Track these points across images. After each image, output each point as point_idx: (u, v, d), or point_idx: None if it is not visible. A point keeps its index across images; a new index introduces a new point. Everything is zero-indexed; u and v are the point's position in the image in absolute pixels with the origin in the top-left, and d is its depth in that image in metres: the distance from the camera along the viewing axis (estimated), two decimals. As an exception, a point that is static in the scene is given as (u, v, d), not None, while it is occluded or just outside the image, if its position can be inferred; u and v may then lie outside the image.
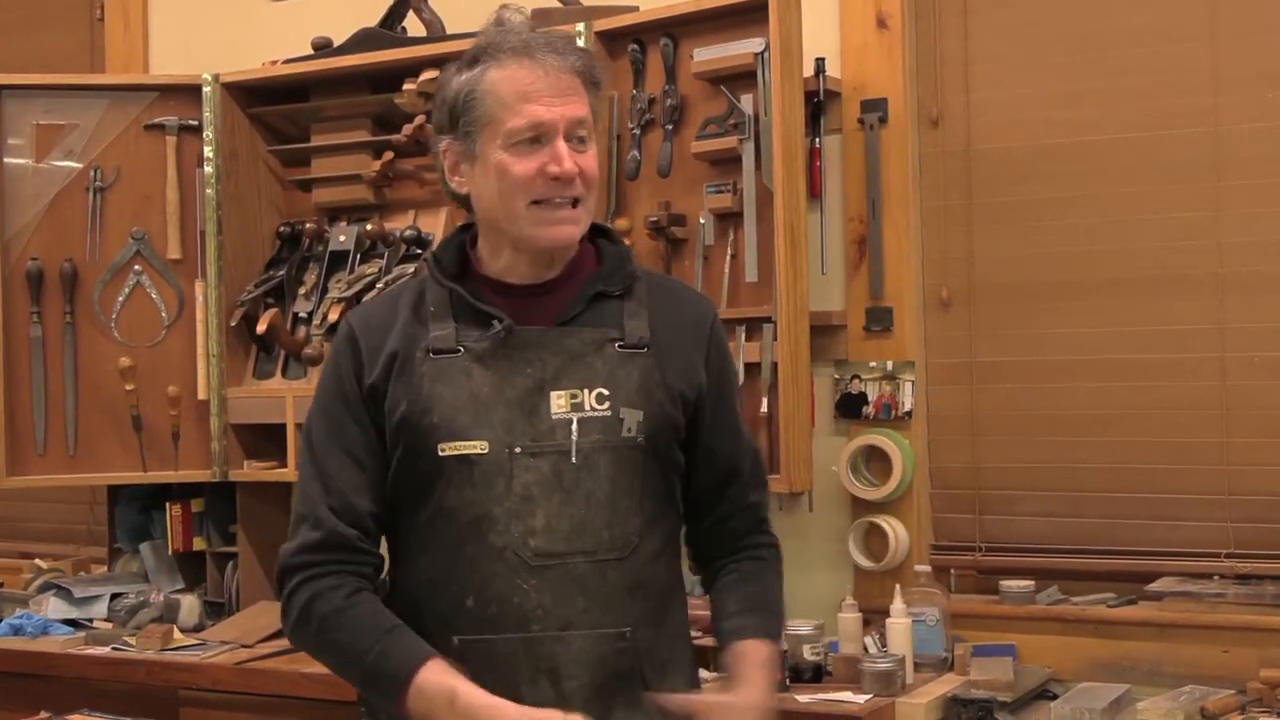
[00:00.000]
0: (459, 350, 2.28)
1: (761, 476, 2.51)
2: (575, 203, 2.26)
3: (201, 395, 4.22)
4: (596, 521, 2.25)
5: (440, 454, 2.25)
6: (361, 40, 4.14)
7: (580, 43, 2.35)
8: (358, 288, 4.05)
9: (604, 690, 2.25)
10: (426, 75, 3.93)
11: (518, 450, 2.24)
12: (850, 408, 3.77)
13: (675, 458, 2.35)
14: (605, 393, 2.26)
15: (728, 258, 3.70)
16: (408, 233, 4.09)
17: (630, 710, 2.27)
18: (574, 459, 2.24)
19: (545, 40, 2.26)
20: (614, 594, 2.25)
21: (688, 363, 2.35)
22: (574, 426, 2.25)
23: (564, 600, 2.23)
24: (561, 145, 2.23)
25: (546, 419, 2.25)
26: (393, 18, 4.19)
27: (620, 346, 2.29)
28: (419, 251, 4.07)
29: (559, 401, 2.26)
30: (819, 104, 3.75)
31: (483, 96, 2.25)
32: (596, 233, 2.42)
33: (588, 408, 2.26)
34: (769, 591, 2.43)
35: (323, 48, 4.22)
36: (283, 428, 4.10)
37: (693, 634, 2.48)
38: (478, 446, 2.24)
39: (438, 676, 2.15)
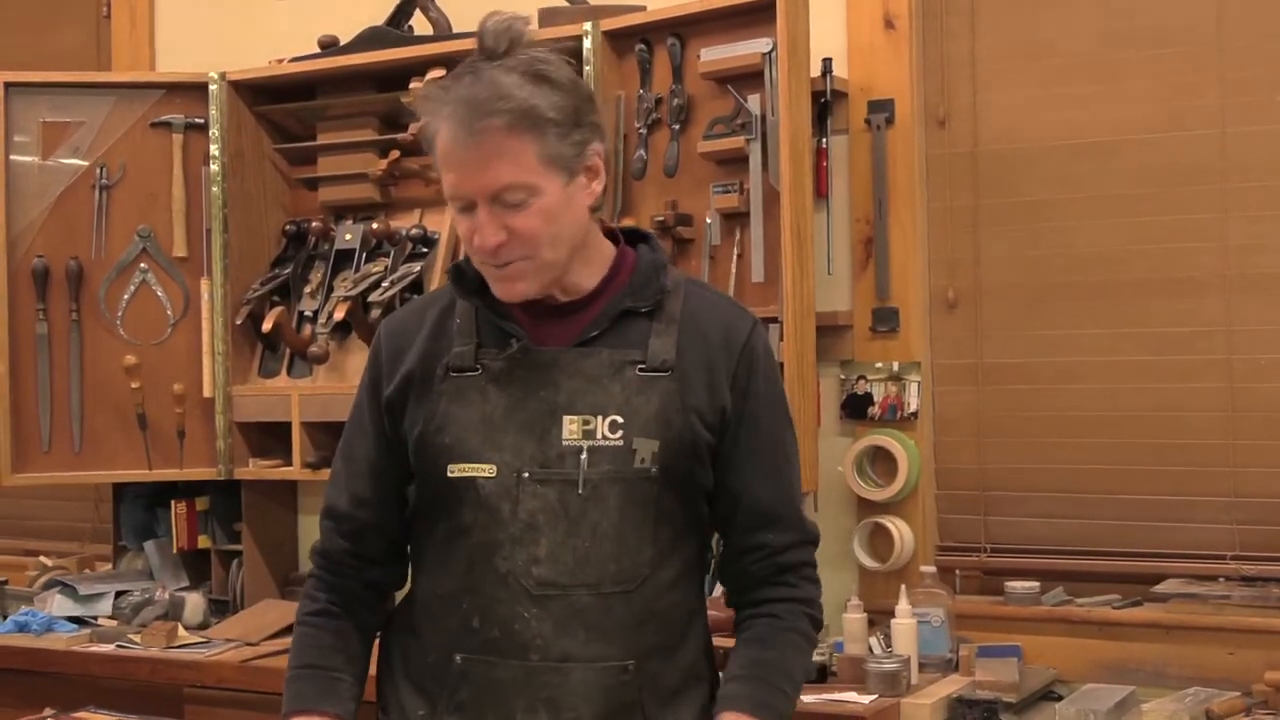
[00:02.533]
0: (478, 369, 2.24)
1: (793, 520, 2.31)
2: (513, 263, 2.15)
3: (207, 393, 4.22)
4: (602, 554, 2.18)
5: (449, 475, 2.22)
6: (368, 39, 4.14)
7: (536, 67, 2.14)
8: (363, 286, 4.04)
9: None
10: (433, 74, 3.93)
11: (525, 476, 2.19)
12: (856, 408, 3.77)
13: (700, 482, 2.26)
14: (619, 420, 2.19)
15: (734, 258, 3.69)
16: (413, 231, 4.09)
17: None
18: (581, 490, 2.18)
19: (469, 96, 2.10)
20: (619, 627, 2.20)
21: (711, 383, 2.24)
22: (584, 456, 2.18)
23: (565, 631, 2.18)
24: (482, 216, 2.12)
25: (557, 445, 2.19)
26: (399, 16, 4.19)
27: (641, 370, 2.21)
28: (424, 250, 4.07)
29: (571, 427, 2.19)
30: (826, 104, 3.75)
31: (433, 148, 2.17)
32: (639, 238, 2.34)
33: (600, 436, 2.19)
34: (777, 658, 2.26)
35: (329, 46, 4.22)
36: (287, 426, 4.11)
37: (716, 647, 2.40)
38: (485, 470, 2.20)
39: None
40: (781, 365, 3.48)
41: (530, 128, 2.10)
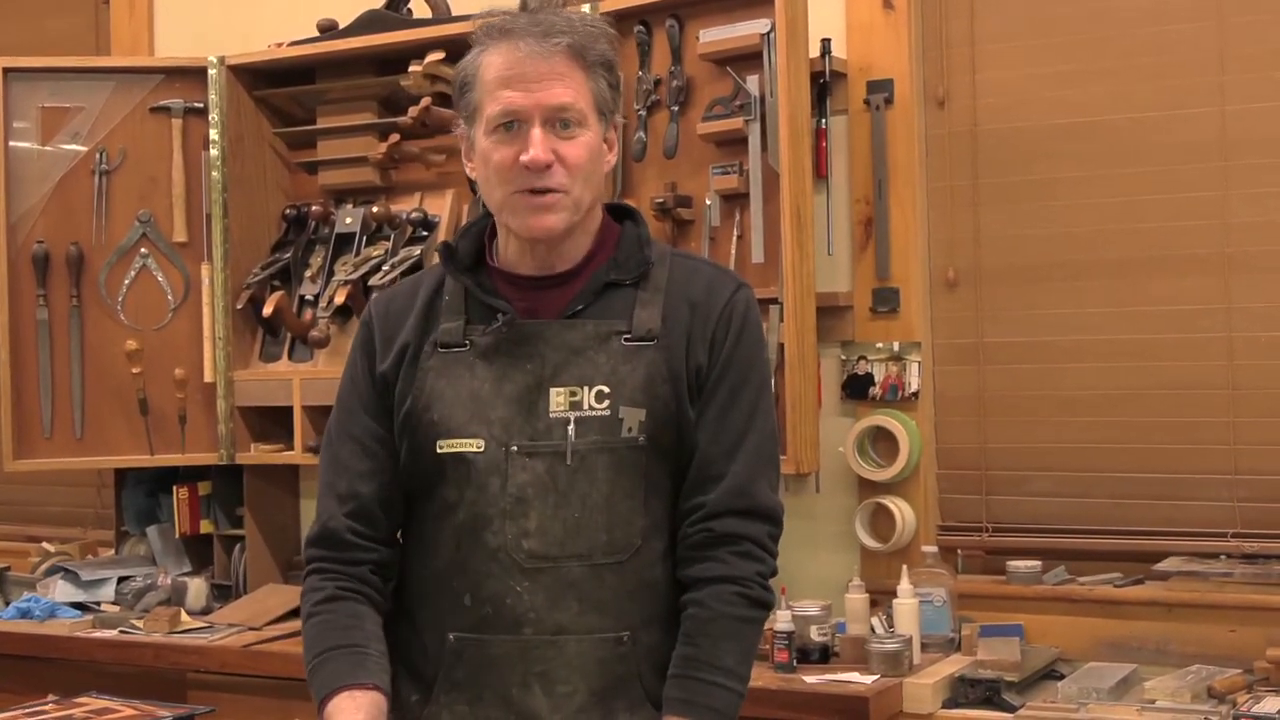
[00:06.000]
0: (465, 345, 2.25)
1: (740, 486, 2.23)
2: (553, 192, 2.18)
3: (208, 378, 4.23)
4: (593, 525, 2.19)
5: (438, 451, 2.23)
6: (367, 22, 4.14)
7: (589, 21, 2.25)
8: (364, 270, 4.05)
9: (603, 696, 2.21)
10: (432, 57, 3.93)
11: (514, 449, 2.20)
12: (857, 389, 3.77)
13: (686, 453, 2.25)
14: (606, 390, 2.20)
15: (734, 239, 3.69)
16: (414, 215, 4.09)
17: (633, 715, 2.22)
18: (569, 461, 2.19)
19: (533, 21, 2.19)
20: (613, 598, 2.20)
21: (691, 347, 2.24)
22: (571, 427, 2.19)
23: (557, 604, 2.19)
24: (535, 133, 2.16)
25: (544, 417, 2.20)
26: (398, -1, 4.20)
27: (626, 339, 2.22)
28: (425, 234, 4.07)
29: (558, 399, 2.20)
30: (825, 85, 3.74)
31: (474, 82, 2.21)
32: (624, 214, 2.36)
33: (586, 406, 2.20)
34: (704, 652, 2.19)
35: (328, 30, 4.22)
36: (289, 410, 4.11)
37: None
38: (474, 445, 2.21)
39: (335, 714, 2.16)
40: (782, 346, 3.49)
41: (588, 65, 2.21)
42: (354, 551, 2.29)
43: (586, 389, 2.21)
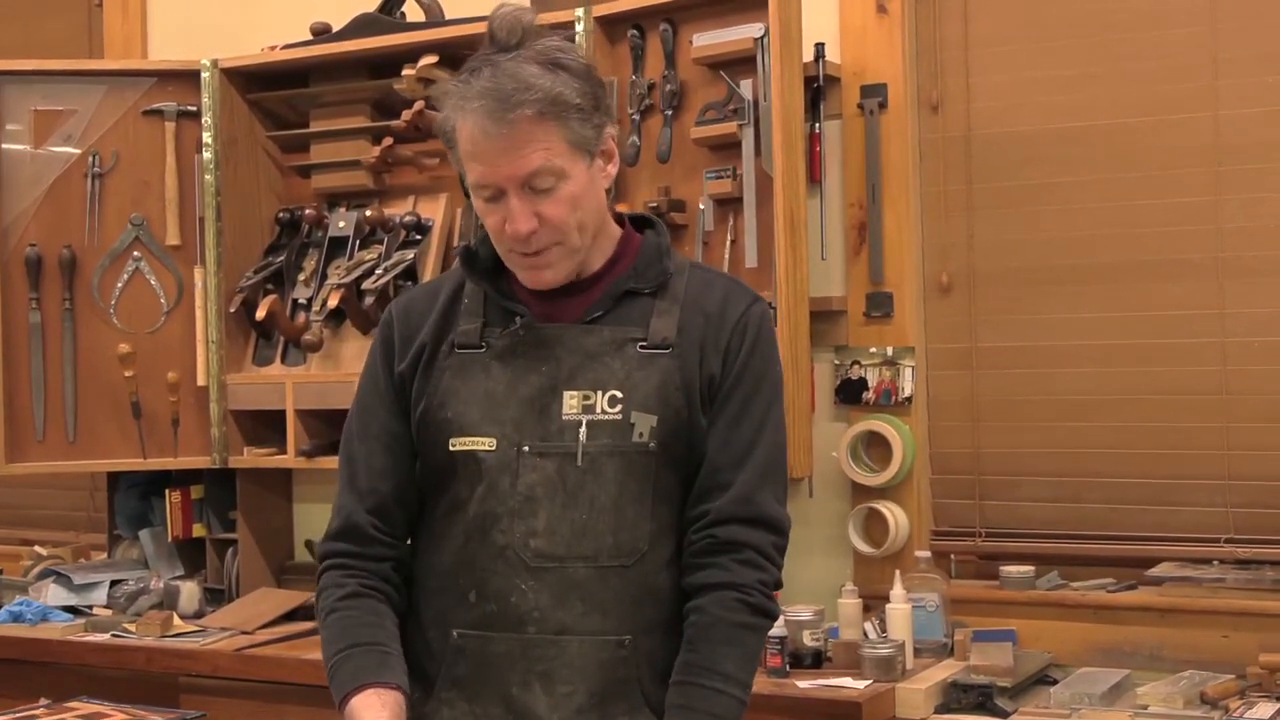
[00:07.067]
0: (482, 346, 2.28)
1: (746, 495, 2.24)
2: (545, 251, 2.20)
3: (201, 382, 4.22)
4: (600, 527, 2.21)
5: (451, 449, 2.25)
6: (360, 25, 4.13)
7: (553, 56, 2.20)
8: (357, 274, 4.04)
9: (603, 698, 2.22)
10: (425, 60, 3.92)
11: (525, 449, 2.22)
12: (850, 393, 3.77)
13: (698, 461, 2.26)
14: (619, 395, 2.22)
15: (727, 243, 3.69)
16: (407, 218, 4.08)
17: (631, 719, 2.23)
18: (579, 462, 2.21)
19: (495, 86, 2.14)
20: (617, 601, 2.22)
21: (705, 357, 2.26)
22: (582, 429, 2.21)
23: (562, 604, 2.20)
24: (514, 204, 2.16)
25: (557, 419, 2.22)
26: (391, 2, 4.18)
27: (642, 347, 2.24)
28: (418, 238, 4.07)
29: (571, 402, 2.22)
30: (819, 89, 3.74)
31: (453, 141, 2.21)
32: (645, 224, 2.38)
33: (599, 410, 2.22)
34: (704, 658, 2.20)
35: (322, 33, 4.21)
36: (282, 414, 4.11)
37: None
38: (485, 444, 2.23)
39: (360, 710, 2.16)
40: (775, 351, 3.48)
41: (557, 115, 2.16)
42: (377, 547, 2.31)
43: (600, 393, 2.23)
